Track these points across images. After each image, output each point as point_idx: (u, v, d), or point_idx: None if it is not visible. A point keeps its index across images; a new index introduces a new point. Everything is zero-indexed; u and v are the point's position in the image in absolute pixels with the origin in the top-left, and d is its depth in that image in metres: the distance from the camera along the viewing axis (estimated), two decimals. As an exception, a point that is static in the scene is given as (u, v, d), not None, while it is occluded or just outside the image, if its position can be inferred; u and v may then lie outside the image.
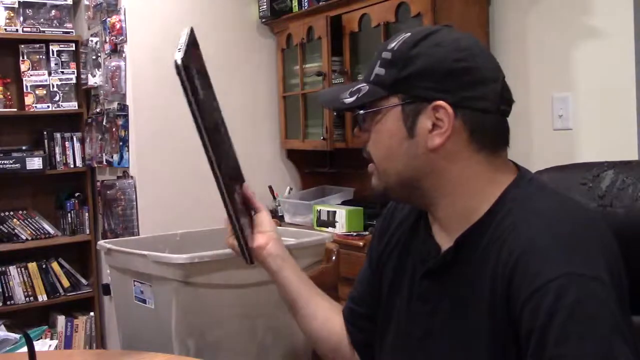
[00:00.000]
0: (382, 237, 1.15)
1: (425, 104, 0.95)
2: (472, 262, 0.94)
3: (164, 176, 3.43)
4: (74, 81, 3.90)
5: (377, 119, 0.99)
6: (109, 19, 3.51)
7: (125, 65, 3.42)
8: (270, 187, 3.57)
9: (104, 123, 3.67)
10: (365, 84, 0.99)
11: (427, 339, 1.00)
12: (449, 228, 0.99)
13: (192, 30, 1.10)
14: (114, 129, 3.57)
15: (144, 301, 2.17)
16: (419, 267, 1.03)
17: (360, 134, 1.03)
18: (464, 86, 0.94)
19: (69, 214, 3.95)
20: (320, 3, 3.23)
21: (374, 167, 1.02)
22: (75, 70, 3.89)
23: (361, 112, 0.99)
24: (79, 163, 3.95)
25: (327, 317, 1.19)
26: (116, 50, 3.50)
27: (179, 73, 1.01)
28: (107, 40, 3.55)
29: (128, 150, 3.47)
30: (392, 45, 0.98)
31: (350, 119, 3.13)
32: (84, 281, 3.96)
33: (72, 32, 3.91)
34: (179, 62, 1.01)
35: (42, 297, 3.77)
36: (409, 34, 0.98)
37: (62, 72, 3.86)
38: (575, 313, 0.81)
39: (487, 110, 0.95)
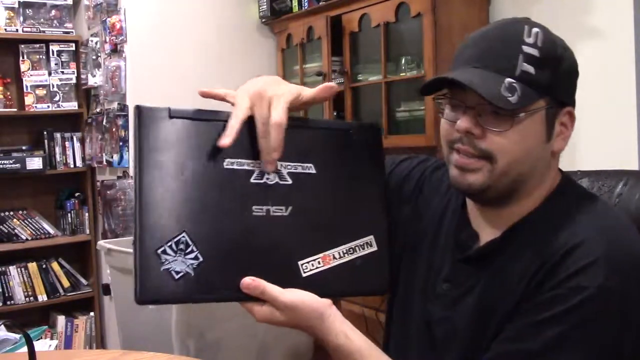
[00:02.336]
0: (414, 193, 1.13)
1: (560, 108, 0.95)
2: (514, 260, 0.94)
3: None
4: (74, 81, 3.89)
5: (524, 120, 0.92)
6: (109, 19, 3.51)
7: (125, 65, 3.42)
8: (270, 187, 3.56)
9: (104, 123, 3.67)
10: (513, 81, 0.90)
11: (446, 323, 1.00)
12: (500, 221, 0.98)
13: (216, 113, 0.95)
14: (114, 129, 3.57)
15: (144, 301, 2.17)
16: (454, 250, 1.03)
17: (476, 129, 0.93)
18: (575, 93, 0.97)
19: (69, 214, 3.95)
20: (320, 3, 3.23)
21: (482, 164, 0.93)
22: (75, 70, 3.89)
23: (522, 114, 0.91)
24: (79, 163, 3.95)
25: None
26: (116, 50, 3.50)
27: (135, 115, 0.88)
28: (107, 40, 3.55)
29: (128, 150, 3.47)
30: (531, 40, 0.91)
31: (350, 118, 3.13)
32: (84, 281, 3.96)
33: (72, 32, 3.91)
34: (139, 106, 0.88)
35: (42, 297, 3.77)
36: (537, 29, 0.93)
37: (62, 72, 3.86)
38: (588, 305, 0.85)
39: None
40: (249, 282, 0.87)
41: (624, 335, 0.87)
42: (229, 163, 0.89)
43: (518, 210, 0.98)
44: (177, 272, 0.83)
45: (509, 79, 0.90)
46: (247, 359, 2.15)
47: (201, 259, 0.85)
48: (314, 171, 0.94)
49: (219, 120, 0.91)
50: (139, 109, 0.88)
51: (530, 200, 0.97)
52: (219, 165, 0.89)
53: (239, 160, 0.90)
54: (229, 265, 0.87)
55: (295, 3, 3.43)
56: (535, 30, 0.93)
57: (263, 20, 3.65)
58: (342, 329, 0.93)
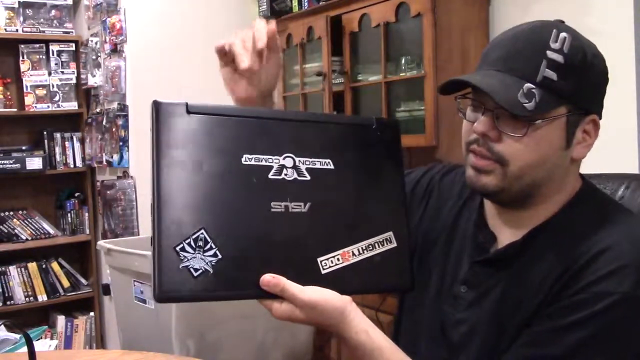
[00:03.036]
0: (423, 200, 1.13)
1: (584, 116, 0.94)
2: (536, 263, 0.93)
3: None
4: (74, 81, 3.90)
5: (541, 126, 0.91)
6: (109, 19, 3.51)
7: (125, 65, 3.42)
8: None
9: (104, 123, 3.67)
10: (533, 86, 0.89)
11: (462, 325, 0.99)
12: (519, 225, 0.98)
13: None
14: (114, 129, 3.57)
15: (144, 301, 2.17)
16: (472, 251, 1.02)
17: (492, 132, 0.93)
18: (603, 99, 0.97)
19: (69, 214, 3.95)
20: (320, 3, 3.23)
21: (495, 166, 0.93)
22: (75, 70, 3.89)
23: (539, 121, 0.90)
24: (79, 163, 3.95)
25: None
26: (116, 50, 3.50)
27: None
28: (107, 40, 3.55)
29: (128, 150, 3.47)
30: (557, 45, 0.91)
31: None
32: (84, 281, 3.96)
33: (72, 32, 3.91)
34: (157, 101, 0.86)
35: (42, 297, 3.77)
36: (566, 34, 0.92)
37: (62, 72, 3.86)
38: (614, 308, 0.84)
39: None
40: (269, 279, 0.86)
41: None
42: (247, 159, 0.87)
43: (536, 214, 0.97)
44: (196, 270, 0.82)
45: (528, 84, 0.89)
46: (247, 359, 2.15)
47: (220, 256, 0.83)
48: (332, 167, 0.92)
49: (237, 116, 0.89)
50: (156, 105, 0.86)
51: (549, 205, 0.97)
52: (237, 161, 0.87)
53: (257, 156, 0.88)
54: (247, 262, 0.86)
55: (295, 3, 3.43)
56: (563, 35, 0.91)
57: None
58: (362, 326, 0.91)
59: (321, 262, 0.89)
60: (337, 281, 0.89)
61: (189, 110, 0.86)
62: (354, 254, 0.92)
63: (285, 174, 0.89)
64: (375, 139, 0.98)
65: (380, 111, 2.93)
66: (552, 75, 0.90)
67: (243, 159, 0.87)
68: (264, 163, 0.88)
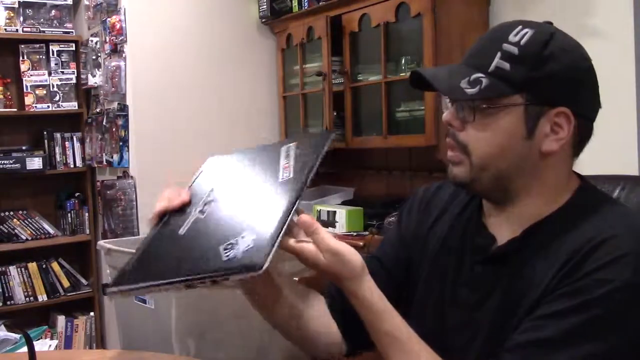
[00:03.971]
0: (419, 215, 1.15)
1: (548, 107, 0.94)
2: (537, 257, 0.94)
3: (164, 176, 3.42)
4: (74, 81, 3.90)
5: (495, 114, 0.94)
6: (109, 19, 3.51)
7: (125, 65, 3.42)
8: (270, 187, 3.56)
9: (104, 123, 3.67)
10: (482, 75, 0.94)
11: (467, 328, 1.00)
12: (515, 223, 0.99)
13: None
14: (114, 129, 3.57)
15: (144, 301, 2.17)
16: (472, 253, 1.03)
17: (455, 121, 0.98)
18: (587, 97, 0.97)
19: (69, 214, 3.95)
20: (320, 3, 3.23)
21: (461, 158, 0.98)
22: (75, 70, 3.89)
23: (484, 105, 0.94)
24: (79, 163, 3.95)
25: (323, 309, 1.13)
26: (116, 50, 3.50)
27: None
28: (107, 40, 3.55)
29: (128, 150, 3.47)
30: (515, 38, 0.94)
31: (350, 118, 3.13)
32: (84, 281, 3.96)
33: (72, 32, 3.91)
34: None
35: (42, 297, 3.77)
36: (529, 30, 0.94)
37: (62, 72, 3.86)
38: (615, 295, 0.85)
39: (593, 120, 0.99)
40: (307, 218, 0.92)
41: None
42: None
43: (526, 210, 0.98)
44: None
45: (478, 74, 0.94)
46: (247, 359, 2.15)
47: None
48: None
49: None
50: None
51: (537, 201, 0.98)
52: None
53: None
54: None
55: (295, 3, 3.43)
56: (525, 30, 0.94)
57: (263, 20, 3.65)
58: (376, 289, 0.95)
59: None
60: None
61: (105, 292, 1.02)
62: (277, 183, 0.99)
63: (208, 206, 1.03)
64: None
65: (380, 111, 2.93)
66: (505, 65, 0.93)
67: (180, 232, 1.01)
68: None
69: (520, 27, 0.95)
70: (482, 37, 0.99)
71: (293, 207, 0.94)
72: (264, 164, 1.07)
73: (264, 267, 0.85)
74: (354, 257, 0.94)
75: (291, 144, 1.06)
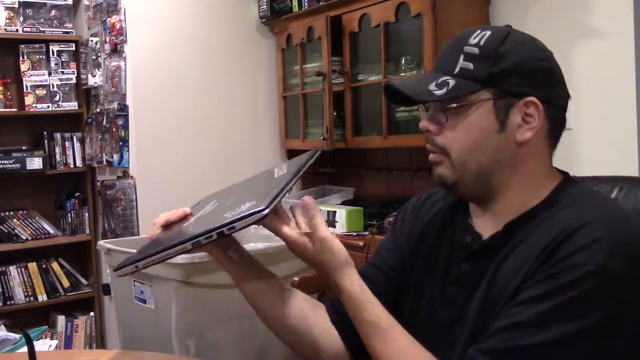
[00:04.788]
0: (411, 221, 1.19)
1: (516, 99, 0.98)
2: (518, 249, 0.97)
3: (164, 176, 3.43)
4: (74, 81, 3.90)
5: (465, 112, 0.99)
6: (109, 19, 3.51)
7: (125, 65, 3.42)
8: (270, 187, 3.56)
9: (104, 123, 3.67)
10: (449, 77, 0.99)
11: (457, 324, 1.02)
12: (499, 219, 1.02)
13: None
14: (114, 129, 3.57)
15: (144, 301, 2.17)
16: (459, 252, 1.06)
17: (432, 126, 1.02)
18: (551, 84, 1.01)
19: (69, 214, 3.95)
20: (320, 3, 3.23)
21: (442, 158, 1.02)
22: (75, 70, 3.89)
23: (454, 105, 0.99)
24: (79, 163, 3.95)
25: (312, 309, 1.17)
26: (116, 50, 3.50)
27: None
28: (107, 40, 3.55)
29: (128, 150, 3.47)
30: (475, 40, 0.99)
31: (350, 118, 3.13)
32: (84, 281, 3.96)
33: (72, 32, 3.91)
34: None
35: (42, 297, 3.77)
36: (487, 31, 1.00)
37: (62, 72, 3.86)
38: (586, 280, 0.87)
39: (563, 108, 1.02)
40: (310, 200, 1.02)
41: (622, 317, 0.88)
42: None
43: (510, 204, 1.01)
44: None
45: (444, 77, 0.99)
46: (247, 359, 2.15)
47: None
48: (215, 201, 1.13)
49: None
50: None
51: (519, 194, 1.01)
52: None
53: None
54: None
55: (295, 3, 3.43)
56: (484, 33, 1.00)
57: (263, 20, 3.65)
58: (358, 281, 1.03)
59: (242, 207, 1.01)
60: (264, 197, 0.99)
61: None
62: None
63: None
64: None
65: (380, 111, 2.93)
66: (468, 65, 0.99)
67: None
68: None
69: (479, 30, 1.01)
70: (447, 45, 1.05)
71: (293, 178, 1.02)
72: (260, 176, 1.19)
73: (269, 209, 0.93)
74: (342, 249, 1.02)
75: (283, 164, 1.14)
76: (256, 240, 2.25)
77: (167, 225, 1.10)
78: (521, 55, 0.98)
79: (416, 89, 1.00)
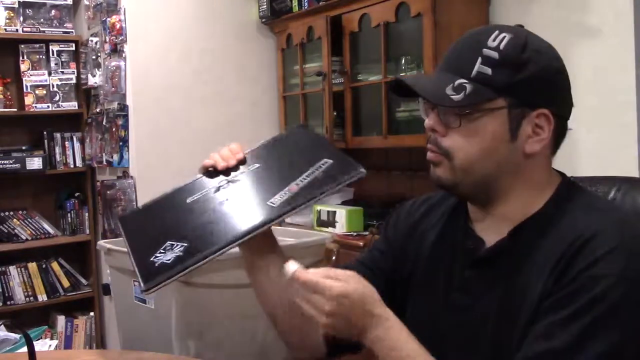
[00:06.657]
0: (407, 226, 1.17)
1: (529, 109, 0.96)
2: (529, 260, 0.95)
3: (164, 176, 3.42)
4: (74, 81, 3.90)
5: (479, 118, 0.96)
6: (109, 19, 3.51)
7: (125, 65, 3.42)
8: (270, 187, 3.56)
9: (104, 123, 3.67)
10: (465, 81, 0.96)
11: (461, 330, 1.01)
12: (501, 224, 1.00)
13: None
14: (114, 129, 3.57)
15: (144, 301, 2.17)
16: (462, 258, 1.04)
17: (439, 127, 0.99)
18: (563, 97, 1.00)
19: (69, 214, 3.95)
20: (320, 3, 3.23)
21: (442, 159, 0.99)
22: (75, 70, 3.89)
23: (468, 110, 0.95)
24: (79, 163, 3.95)
25: None
26: (116, 50, 3.50)
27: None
28: (107, 40, 3.55)
29: (128, 150, 3.47)
30: (494, 44, 0.96)
31: (350, 118, 3.13)
32: (84, 281, 3.96)
33: (72, 32, 3.91)
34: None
35: (42, 297, 3.77)
36: (506, 34, 0.96)
37: (62, 72, 3.86)
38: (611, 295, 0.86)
39: (568, 118, 1.01)
40: (305, 277, 0.94)
41: None
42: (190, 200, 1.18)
43: (512, 210, 1.00)
44: (168, 259, 1.03)
45: (461, 80, 0.96)
46: (247, 359, 2.15)
47: (187, 244, 1.04)
48: (259, 165, 1.17)
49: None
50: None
51: (522, 201, 0.99)
52: (183, 203, 1.18)
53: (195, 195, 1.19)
54: (211, 229, 1.06)
55: (295, 3, 3.43)
56: (503, 35, 0.96)
57: (263, 20, 3.65)
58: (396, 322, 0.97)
59: (270, 202, 1.06)
60: (293, 201, 1.05)
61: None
62: (298, 184, 1.08)
63: (224, 187, 1.16)
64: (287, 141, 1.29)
65: (380, 111, 2.93)
66: (487, 70, 0.95)
67: (187, 200, 1.18)
68: (203, 194, 1.18)
69: (497, 31, 0.97)
70: (458, 42, 1.01)
71: (326, 191, 1.05)
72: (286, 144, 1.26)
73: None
74: (359, 291, 0.95)
75: (329, 161, 1.11)
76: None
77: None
78: (539, 65, 0.96)
79: (434, 91, 0.97)
